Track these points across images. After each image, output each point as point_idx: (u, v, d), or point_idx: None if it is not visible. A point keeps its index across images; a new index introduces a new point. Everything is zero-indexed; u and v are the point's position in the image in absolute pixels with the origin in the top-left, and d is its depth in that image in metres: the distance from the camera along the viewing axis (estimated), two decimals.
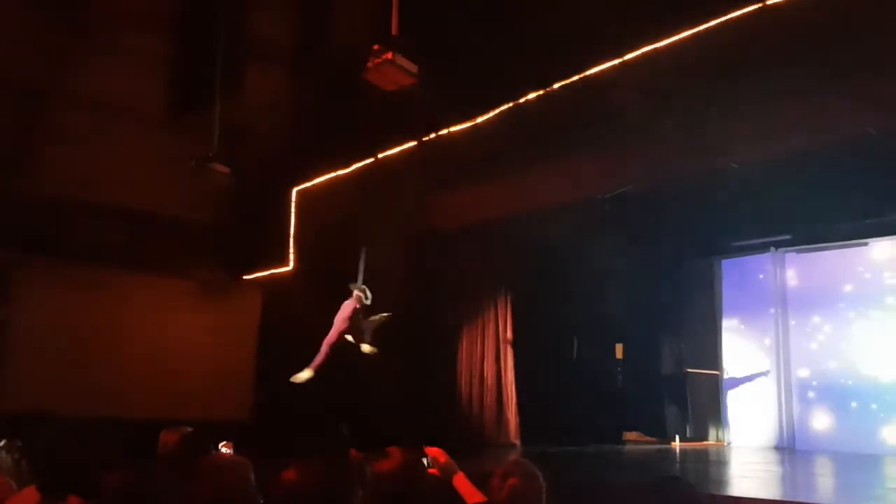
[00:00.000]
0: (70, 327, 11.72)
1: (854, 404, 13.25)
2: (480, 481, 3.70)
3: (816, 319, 13.99)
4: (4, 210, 11.03)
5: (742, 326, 15.09)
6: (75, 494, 3.13)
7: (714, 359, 15.27)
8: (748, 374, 14.83)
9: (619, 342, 15.64)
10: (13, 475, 3.99)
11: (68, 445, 3.44)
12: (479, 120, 9.86)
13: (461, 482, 3.84)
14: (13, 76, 10.80)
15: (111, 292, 12.24)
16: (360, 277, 11.12)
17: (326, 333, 11.74)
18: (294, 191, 12.71)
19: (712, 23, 7.58)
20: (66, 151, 11.36)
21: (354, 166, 11.67)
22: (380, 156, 11.25)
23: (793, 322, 14.30)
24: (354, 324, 10.94)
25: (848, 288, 13.65)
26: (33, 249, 11.45)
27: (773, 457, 13.14)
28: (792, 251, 14.36)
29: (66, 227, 11.58)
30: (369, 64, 6.82)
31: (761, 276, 14.78)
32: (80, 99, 11.26)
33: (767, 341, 14.54)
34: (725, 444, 14.82)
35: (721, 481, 10.06)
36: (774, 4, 7.22)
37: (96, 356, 11.72)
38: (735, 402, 14.97)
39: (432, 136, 10.51)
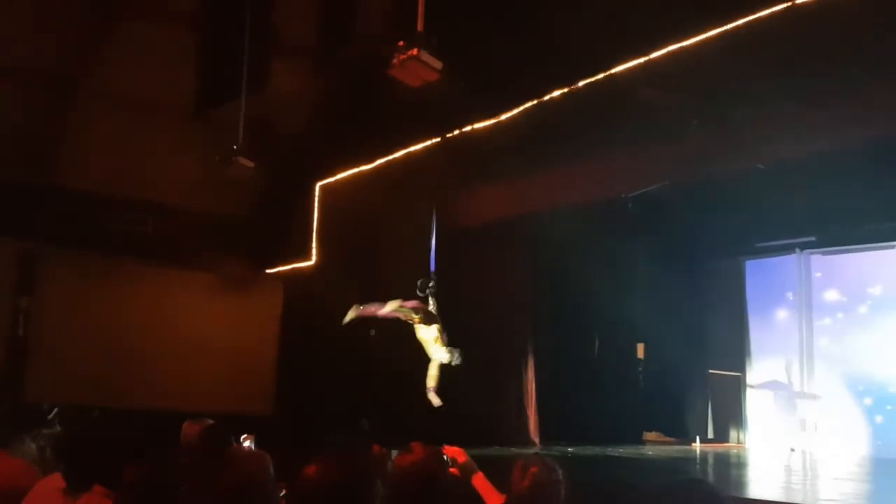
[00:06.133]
0: (94, 319, 11.84)
1: (878, 407, 13.11)
2: (500, 479, 3.71)
3: (841, 321, 13.85)
4: (31, 202, 11.15)
5: (765, 328, 14.97)
6: (99, 484, 3.16)
7: (736, 360, 15.16)
8: (770, 375, 14.72)
9: (640, 342, 15.56)
10: (37, 464, 4.03)
11: (92, 435, 3.46)
12: (503, 117, 9.84)
13: (480, 482, 3.84)
14: (42, 70, 10.90)
15: (134, 285, 12.35)
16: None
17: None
18: (317, 185, 12.75)
19: (739, 22, 7.52)
20: (92, 144, 11.46)
21: (377, 162, 11.68)
22: (403, 152, 11.26)
23: (817, 324, 14.17)
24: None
25: (873, 290, 13.50)
26: (58, 241, 11.58)
27: (793, 459, 13.03)
28: (817, 253, 14.23)
29: (91, 219, 11.70)
30: (394, 60, 6.82)
31: (786, 278, 14.65)
32: (107, 93, 11.35)
33: (791, 343, 14.42)
34: (746, 445, 14.73)
35: (741, 483, 10.00)
36: (802, 4, 7.15)
37: (119, 347, 11.83)
38: (756, 404, 14.86)
39: (456, 132, 10.50)
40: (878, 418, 13.06)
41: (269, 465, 2.99)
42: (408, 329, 11.10)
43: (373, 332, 12.97)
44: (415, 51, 6.71)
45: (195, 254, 12.59)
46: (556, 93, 9.18)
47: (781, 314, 14.69)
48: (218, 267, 13.09)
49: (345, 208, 12.42)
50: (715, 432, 15.21)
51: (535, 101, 9.43)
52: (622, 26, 8.37)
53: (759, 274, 15.22)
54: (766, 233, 14.14)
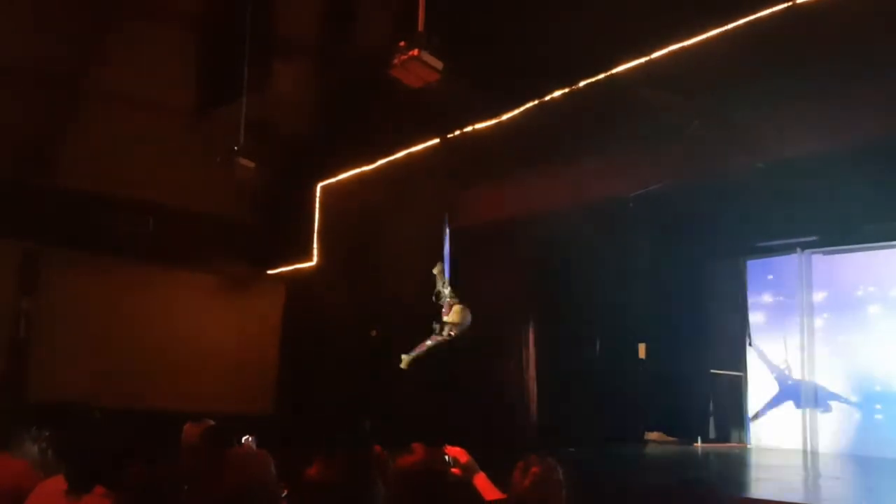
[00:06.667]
0: (95, 319, 11.84)
1: (879, 407, 13.10)
2: (501, 479, 3.71)
3: (842, 321, 13.83)
4: (31, 202, 11.16)
5: (766, 328, 14.95)
6: (100, 485, 3.16)
7: (737, 360, 15.15)
8: (772, 375, 14.71)
9: (641, 342, 15.54)
10: (39, 465, 4.04)
11: (93, 436, 3.47)
12: (504, 117, 9.84)
13: (482, 482, 3.85)
14: (42, 69, 10.91)
15: (135, 286, 12.36)
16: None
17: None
18: (318, 186, 12.76)
19: (740, 21, 7.52)
20: (94, 145, 11.47)
21: (379, 162, 11.69)
22: (404, 152, 11.26)
23: (818, 323, 14.15)
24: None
25: (875, 290, 13.49)
26: (59, 242, 11.58)
27: (795, 459, 13.03)
28: (818, 252, 14.20)
29: (92, 219, 11.71)
30: (395, 60, 6.83)
31: (787, 278, 14.64)
32: (108, 93, 11.36)
33: (792, 343, 14.40)
34: (748, 445, 14.72)
35: (743, 483, 10.00)
36: (803, 4, 7.15)
37: (121, 348, 11.84)
38: (758, 404, 14.85)
39: (457, 132, 10.50)
40: (881, 418, 13.04)
41: (271, 466, 3.00)
42: (409, 328, 11.13)
43: (374, 333, 12.99)
44: (415, 51, 6.71)
45: (196, 254, 12.60)
46: (557, 93, 9.18)
47: (782, 314, 14.67)
48: (219, 267, 13.10)
49: (346, 209, 12.43)
50: (716, 432, 15.19)
51: (535, 101, 9.43)
52: (623, 26, 8.37)
53: (760, 273, 15.20)
54: (767, 232, 14.09)
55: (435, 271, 10.76)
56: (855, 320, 13.64)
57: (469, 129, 10.28)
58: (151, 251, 12.29)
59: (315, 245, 12.64)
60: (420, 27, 6.93)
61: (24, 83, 10.90)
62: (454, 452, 3.80)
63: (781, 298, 14.78)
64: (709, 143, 9.28)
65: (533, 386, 14.39)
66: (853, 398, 13.44)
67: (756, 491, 9.11)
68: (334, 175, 12.49)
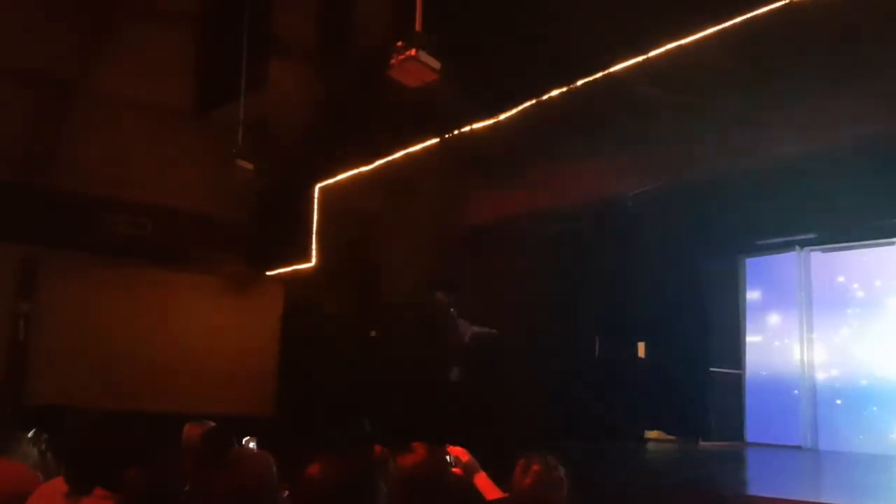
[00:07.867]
0: (94, 322, 11.83)
1: (877, 405, 13.10)
2: (502, 477, 3.71)
3: (841, 319, 13.84)
4: (29, 205, 11.14)
5: (765, 325, 14.96)
6: (100, 486, 3.15)
7: (737, 358, 15.14)
8: (771, 373, 14.70)
9: (641, 340, 15.54)
10: (39, 467, 4.03)
11: (93, 438, 3.46)
12: (502, 117, 9.83)
13: (483, 481, 3.85)
14: (40, 71, 10.90)
15: (134, 288, 12.35)
16: None
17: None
18: (317, 187, 12.75)
19: (737, 20, 7.51)
20: (91, 147, 11.45)
21: (377, 163, 11.68)
22: (402, 153, 11.26)
23: (817, 321, 14.15)
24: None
25: (873, 287, 13.49)
26: (57, 244, 11.57)
27: (795, 457, 13.02)
28: (817, 250, 14.21)
29: (90, 222, 11.70)
30: (393, 60, 6.82)
31: (785, 275, 14.64)
32: (106, 94, 11.35)
33: (791, 341, 14.41)
34: (747, 443, 14.71)
35: (743, 481, 10.00)
36: (800, 2, 7.14)
37: (120, 350, 11.83)
38: (757, 402, 14.85)
39: (455, 133, 10.50)
40: (879, 415, 13.04)
41: (272, 466, 2.99)
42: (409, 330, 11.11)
43: (373, 333, 12.99)
44: (413, 51, 6.71)
45: (195, 256, 12.60)
46: (555, 92, 9.17)
47: (782, 311, 14.67)
48: (218, 269, 13.09)
49: (344, 210, 12.42)
50: (716, 430, 15.18)
51: (533, 101, 9.42)
52: (621, 25, 8.36)
53: (760, 272, 15.21)
54: (766, 231, 14.10)
55: None
56: (854, 318, 13.65)
57: (467, 129, 10.27)
58: (150, 252, 12.29)
59: (314, 246, 12.64)
60: (418, 27, 6.92)
61: (22, 84, 10.89)
62: (455, 452, 3.81)
63: (780, 296, 14.78)
64: (708, 142, 9.27)
65: (533, 384, 14.37)
66: (852, 395, 13.44)
67: (756, 489, 9.10)
68: (333, 176, 12.49)
